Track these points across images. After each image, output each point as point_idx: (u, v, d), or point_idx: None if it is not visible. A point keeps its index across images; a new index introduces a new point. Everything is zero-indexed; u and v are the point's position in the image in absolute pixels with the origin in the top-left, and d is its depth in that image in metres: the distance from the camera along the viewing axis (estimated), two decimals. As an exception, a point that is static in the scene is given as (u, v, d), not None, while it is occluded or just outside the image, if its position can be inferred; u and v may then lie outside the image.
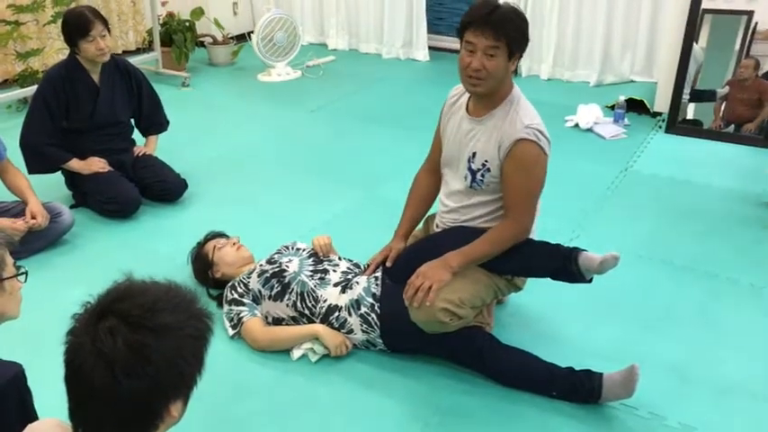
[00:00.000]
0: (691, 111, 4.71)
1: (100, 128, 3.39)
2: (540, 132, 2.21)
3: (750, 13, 4.48)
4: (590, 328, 2.59)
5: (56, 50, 4.94)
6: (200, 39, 5.81)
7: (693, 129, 4.54)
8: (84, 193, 3.39)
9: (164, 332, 1.11)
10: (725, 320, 2.65)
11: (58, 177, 3.45)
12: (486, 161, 2.27)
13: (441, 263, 2.23)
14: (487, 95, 2.24)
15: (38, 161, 3.32)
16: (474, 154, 2.29)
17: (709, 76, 4.65)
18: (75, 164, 3.34)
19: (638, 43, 5.21)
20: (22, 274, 1.62)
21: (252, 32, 5.49)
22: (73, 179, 3.41)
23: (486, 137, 2.26)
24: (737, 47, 4.58)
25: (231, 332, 2.51)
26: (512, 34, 2.14)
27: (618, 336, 2.55)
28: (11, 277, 1.58)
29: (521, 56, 2.23)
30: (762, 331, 2.59)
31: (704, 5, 4.31)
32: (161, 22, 5.46)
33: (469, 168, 2.31)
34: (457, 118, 2.37)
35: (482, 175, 2.29)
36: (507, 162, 2.22)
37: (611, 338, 2.53)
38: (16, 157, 3.23)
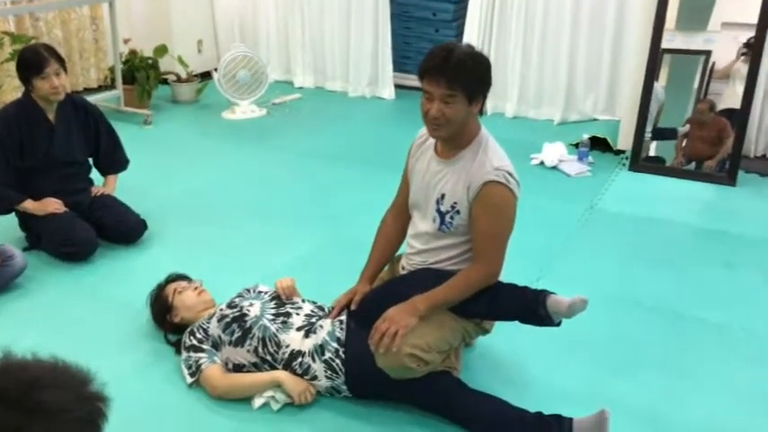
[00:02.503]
0: (653, 148, 4.78)
1: (55, 167, 3.29)
2: (510, 174, 2.19)
3: (708, 53, 4.60)
4: (559, 370, 2.55)
5: (14, 88, 4.84)
6: (164, 76, 5.74)
7: (656, 166, 4.60)
8: (39, 235, 3.27)
9: (42, 413, 0.98)
10: (693, 362, 2.63)
11: (10, 219, 3.33)
12: (455, 203, 2.24)
13: (407, 307, 2.19)
14: (452, 138, 2.22)
15: (-10, 202, 3.21)
16: (443, 196, 2.26)
17: (670, 114, 4.73)
18: (29, 204, 3.23)
19: (601, 82, 5.28)
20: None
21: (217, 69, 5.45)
22: (26, 221, 3.30)
23: (455, 178, 2.24)
24: (696, 85, 4.69)
25: (189, 380, 2.41)
26: (467, 81, 2.12)
27: (587, 378, 2.51)
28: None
29: (484, 97, 2.21)
30: (729, 372, 2.57)
31: (664, 45, 4.39)
32: (123, 59, 5.39)
33: (438, 210, 2.28)
34: (425, 159, 2.35)
35: (451, 218, 2.25)
36: (476, 204, 2.20)
37: (580, 381, 2.49)
38: (-33, 199, 3.12)
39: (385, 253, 2.53)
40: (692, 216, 3.88)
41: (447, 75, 2.09)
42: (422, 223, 2.36)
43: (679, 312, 2.93)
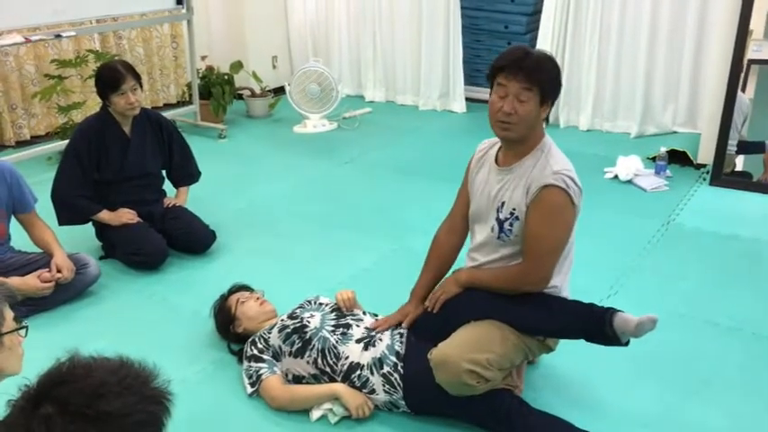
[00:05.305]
0: (740, 163, 4.55)
1: (130, 179, 3.40)
2: (571, 180, 2.13)
3: (799, 63, 4.35)
4: (628, 392, 2.44)
5: (97, 104, 5.02)
6: (239, 91, 5.88)
7: (740, 181, 4.37)
8: (113, 244, 3.37)
9: (106, 421, 1.00)
10: (775, 386, 2.47)
11: (88, 228, 3.45)
12: (513, 209, 2.20)
13: (449, 279, 2.38)
14: (518, 142, 2.19)
15: (68, 213, 3.33)
16: (503, 204, 2.22)
17: (759, 127, 4.50)
18: (104, 215, 3.34)
19: (681, 93, 5.08)
20: (23, 328, 1.57)
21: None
22: (102, 230, 3.41)
23: (515, 184, 2.20)
24: (787, 97, 4.45)
25: (249, 390, 2.42)
26: (544, 79, 2.11)
27: (658, 401, 2.39)
28: (10, 332, 1.53)
29: (552, 103, 2.18)
30: (817, 399, 2.40)
31: (750, 56, 4.19)
32: (200, 75, 5.54)
33: (497, 219, 2.24)
34: (485, 171, 2.32)
35: (510, 225, 2.21)
36: (532, 207, 2.15)
37: (651, 404, 2.37)
38: (47, 209, 3.24)
39: (437, 271, 2.49)
40: (776, 234, 3.66)
41: (526, 69, 2.08)
42: (481, 235, 2.33)
43: (759, 334, 2.76)
